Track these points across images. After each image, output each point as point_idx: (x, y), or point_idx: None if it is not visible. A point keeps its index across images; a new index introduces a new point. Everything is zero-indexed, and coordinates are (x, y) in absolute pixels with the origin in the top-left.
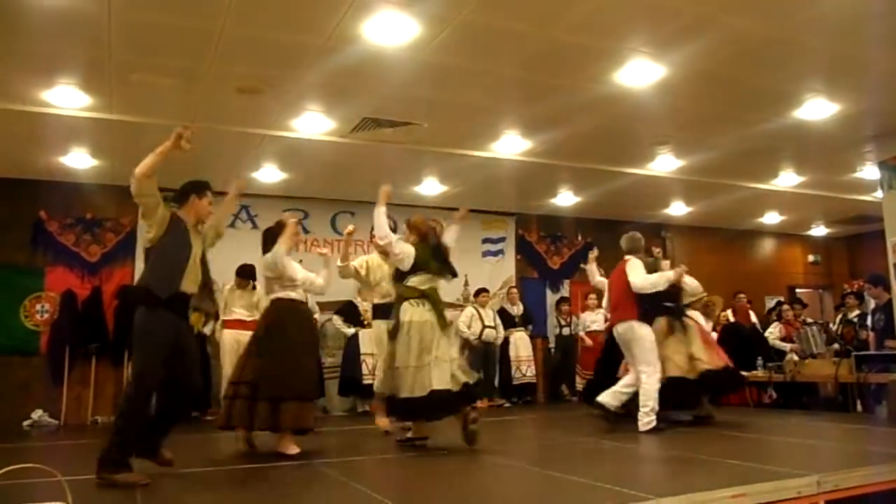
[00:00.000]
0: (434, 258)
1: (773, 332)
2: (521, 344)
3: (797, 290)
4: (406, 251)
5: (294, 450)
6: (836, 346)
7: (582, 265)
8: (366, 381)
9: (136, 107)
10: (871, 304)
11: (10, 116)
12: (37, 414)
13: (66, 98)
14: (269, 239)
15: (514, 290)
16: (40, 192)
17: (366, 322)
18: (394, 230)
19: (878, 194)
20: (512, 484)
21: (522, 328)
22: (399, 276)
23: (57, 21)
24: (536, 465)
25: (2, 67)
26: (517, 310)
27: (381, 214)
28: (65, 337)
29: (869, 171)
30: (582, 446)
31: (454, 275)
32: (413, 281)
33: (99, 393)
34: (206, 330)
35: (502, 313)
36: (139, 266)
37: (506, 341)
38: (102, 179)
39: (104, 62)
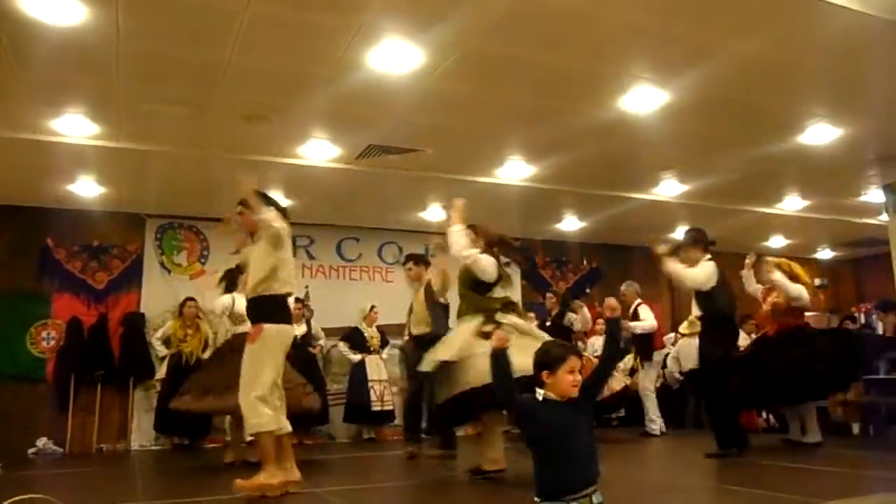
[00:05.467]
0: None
1: None
2: None
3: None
4: (492, 262)
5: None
6: None
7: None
8: (374, 409)
9: (143, 135)
10: (880, 328)
11: (19, 145)
12: (42, 442)
13: (74, 127)
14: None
15: (532, 315)
16: (47, 220)
17: (372, 349)
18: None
19: (884, 217)
20: None
21: None
22: (481, 289)
23: (65, 51)
24: None
25: (10, 97)
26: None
27: (457, 232)
28: (71, 364)
29: (874, 195)
30: None
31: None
32: (498, 292)
33: (104, 420)
34: (206, 354)
35: None
36: (145, 293)
37: None
38: (109, 207)
39: (112, 91)
